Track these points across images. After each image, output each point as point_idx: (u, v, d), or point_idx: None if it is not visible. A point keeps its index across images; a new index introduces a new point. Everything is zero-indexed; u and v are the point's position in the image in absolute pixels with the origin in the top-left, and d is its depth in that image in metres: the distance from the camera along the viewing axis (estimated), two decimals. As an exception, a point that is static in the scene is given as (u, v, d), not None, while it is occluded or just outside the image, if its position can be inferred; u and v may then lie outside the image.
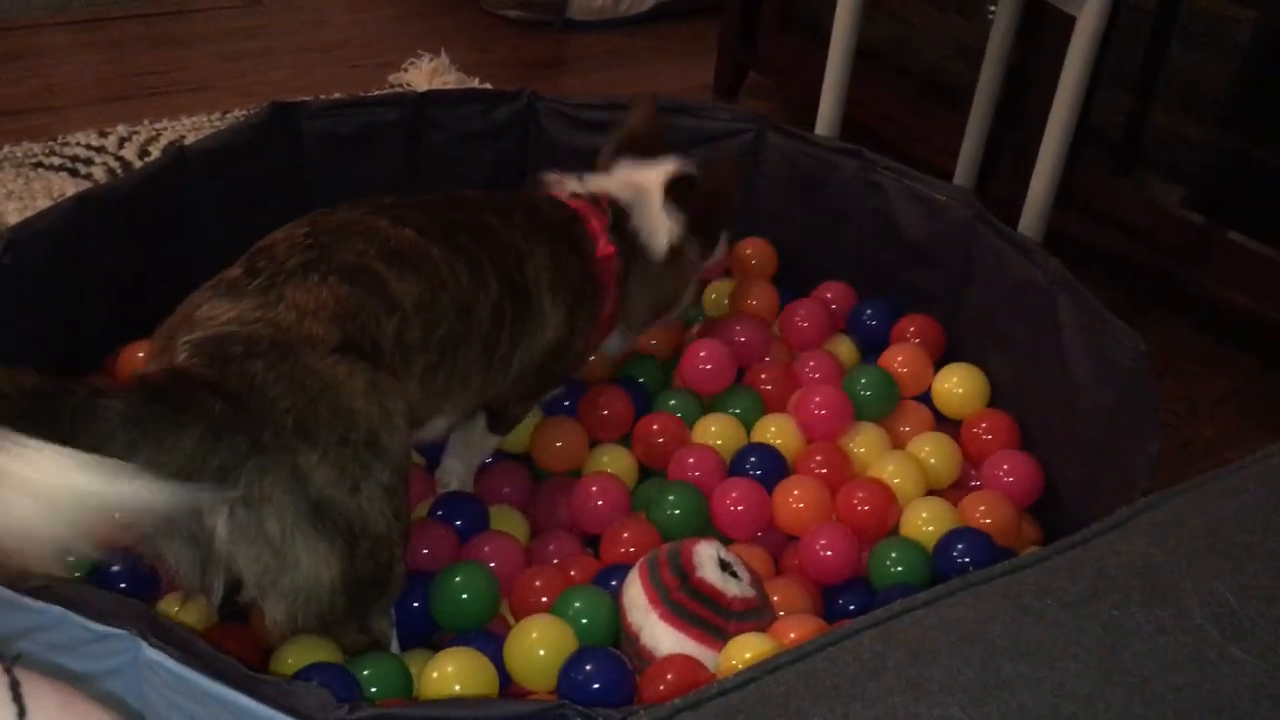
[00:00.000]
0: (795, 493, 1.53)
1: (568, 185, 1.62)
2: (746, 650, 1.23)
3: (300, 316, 1.18)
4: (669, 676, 1.22)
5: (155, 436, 1.04)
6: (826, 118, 2.22)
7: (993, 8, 2.34)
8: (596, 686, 1.21)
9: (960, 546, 1.43)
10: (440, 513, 1.48)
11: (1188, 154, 2.46)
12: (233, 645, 1.24)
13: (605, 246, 1.56)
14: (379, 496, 1.18)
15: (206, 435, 1.07)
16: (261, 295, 1.19)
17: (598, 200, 1.59)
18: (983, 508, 1.51)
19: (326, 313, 1.20)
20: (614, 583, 1.39)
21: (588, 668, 1.23)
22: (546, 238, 1.49)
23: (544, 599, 1.37)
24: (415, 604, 1.36)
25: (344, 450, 1.15)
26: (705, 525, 1.51)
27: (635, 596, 1.30)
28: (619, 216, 1.59)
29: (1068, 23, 1.92)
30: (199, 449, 1.07)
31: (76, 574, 1.36)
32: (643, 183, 1.64)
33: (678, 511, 1.50)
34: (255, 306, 1.18)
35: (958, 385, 1.73)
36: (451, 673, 1.23)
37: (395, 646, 1.30)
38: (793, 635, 1.26)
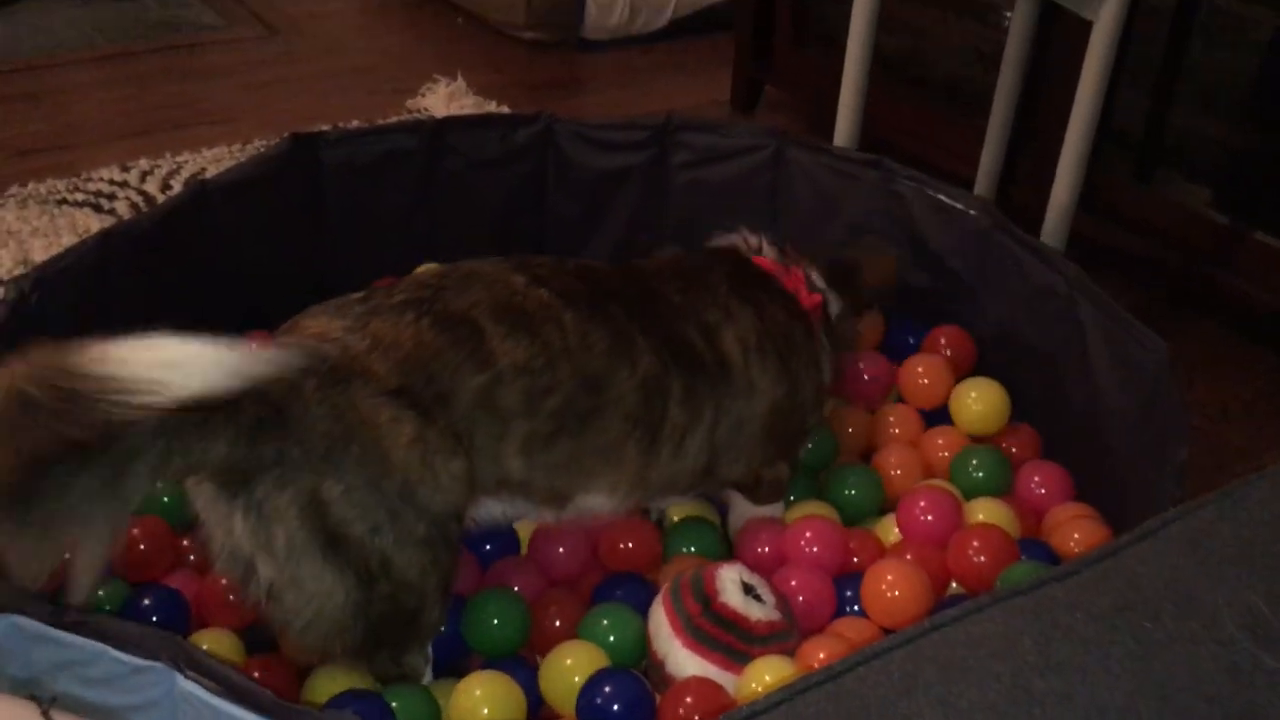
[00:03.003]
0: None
1: (754, 244, 1.54)
2: (766, 673, 1.23)
3: (371, 349, 1.18)
4: (688, 700, 1.22)
5: (184, 445, 1.08)
6: (844, 129, 2.22)
7: (1009, 13, 2.34)
8: (616, 708, 1.21)
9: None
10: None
11: (1211, 155, 2.44)
12: (268, 676, 1.25)
13: (810, 296, 1.51)
14: (410, 545, 1.18)
15: (239, 440, 1.11)
16: (356, 320, 1.21)
17: (787, 255, 1.54)
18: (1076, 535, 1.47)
19: (398, 353, 1.19)
20: (619, 592, 1.40)
21: (606, 689, 1.23)
22: (751, 297, 1.42)
23: (558, 623, 1.38)
24: (441, 628, 1.36)
25: (371, 492, 1.15)
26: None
27: (659, 624, 1.30)
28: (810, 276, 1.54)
29: (1085, 26, 1.92)
30: (233, 451, 1.10)
31: (108, 607, 1.37)
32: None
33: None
34: (343, 328, 1.20)
35: (976, 401, 1.72)
36: (480, 696, 1.24)
37: (428, 678, 1.31)
38: (822, 655, 1.26)
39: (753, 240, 1.55)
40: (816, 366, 1.50)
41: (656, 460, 1.35)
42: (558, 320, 1.27)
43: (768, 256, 1.52)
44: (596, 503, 1.36)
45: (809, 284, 1.52)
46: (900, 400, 1.80)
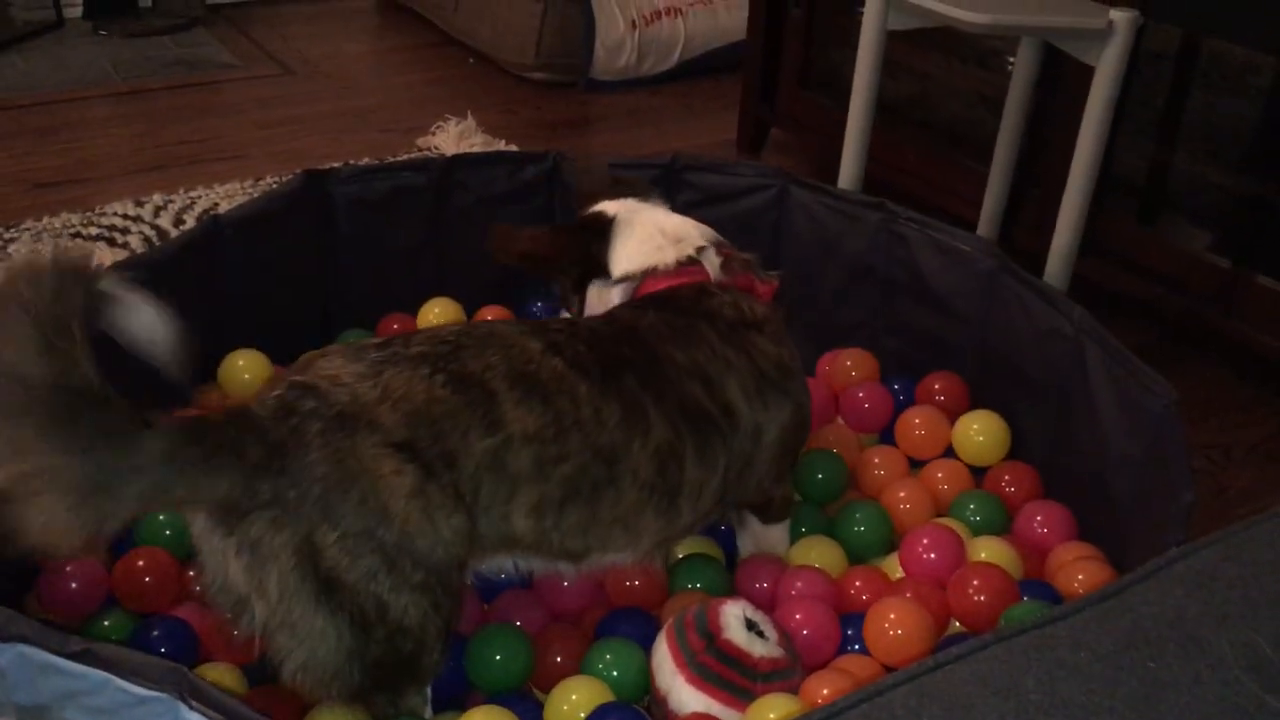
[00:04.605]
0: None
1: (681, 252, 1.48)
2: (770, 711, 1.23)
3: (381, 400, 1.19)
4: (693, 738, 1.22)
5: (189, 477, 1.11)
6: (848, 171, 2.24)
7: (1011, 59, 2.37)
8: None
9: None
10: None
11: (1213, 199, 2.46)
12: (271, 708, 1.25)
13: (764, 286, 1.50)
14: (406, 592, 1.18)
15: (238, 480, 1.13)
16: (370, 367, 1.22)
17: (715, 249, 1.50)
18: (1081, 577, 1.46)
19: (407, 407, 1.19)
20: (622, 627, 1.41)
21: (608, 725, 1.23)
22: (740, 340, 1.41)
23: (560, 659, 1.38)
24: (439, 672, 1.35)
25: (366, 540, 1.15)
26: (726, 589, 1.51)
27: (662, 660, 1.30)
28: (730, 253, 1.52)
29: (1087, 71, 1.94)
30: (233, 490, 1.12)
31: (115, 638, 1.37)
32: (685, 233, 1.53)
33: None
34: (356, 374, 1.21)
35: (978, 433, 1.74)
36: (480, 731, 1.24)
37: (428, 714, 1.31)
38: (825, 692, 1.25)
39: (691, 256, 1.48)
40: (800, 372, 1.48)
41: (678, 518, 1.36)
42: (572, 392, 1.27)
43: (713, 272, 1.48)
44: (617, 559, 1.37)
45: (759, 277, 1.51)
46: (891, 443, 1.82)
